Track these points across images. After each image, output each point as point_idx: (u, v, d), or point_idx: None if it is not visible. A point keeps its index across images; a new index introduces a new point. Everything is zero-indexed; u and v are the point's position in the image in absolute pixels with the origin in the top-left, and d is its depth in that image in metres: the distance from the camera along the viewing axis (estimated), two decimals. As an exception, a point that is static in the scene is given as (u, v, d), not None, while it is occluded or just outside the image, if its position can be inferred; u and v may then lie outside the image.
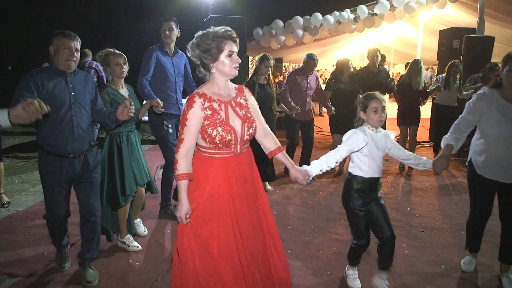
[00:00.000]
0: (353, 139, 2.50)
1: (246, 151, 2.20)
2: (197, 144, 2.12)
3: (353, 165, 2.59)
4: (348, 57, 5.60)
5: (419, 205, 4.35)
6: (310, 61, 5.13)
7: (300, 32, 9.68)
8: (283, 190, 4.85)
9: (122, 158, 3.10)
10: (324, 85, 6.45)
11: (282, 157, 2.32)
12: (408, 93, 5.45)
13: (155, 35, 3.99)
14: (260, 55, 4.81)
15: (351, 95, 5.29)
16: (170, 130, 3.80)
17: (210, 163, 2.09)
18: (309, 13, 9.72)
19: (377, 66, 5.54)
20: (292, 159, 5.42)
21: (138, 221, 3.53)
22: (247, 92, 2.24)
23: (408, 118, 5.62)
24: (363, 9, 9.22)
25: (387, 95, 5.81)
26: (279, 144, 2.33)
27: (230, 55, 2.03)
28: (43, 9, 14.28)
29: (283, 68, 14.80)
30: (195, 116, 2.01)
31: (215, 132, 2.01)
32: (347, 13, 9.44)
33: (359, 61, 15.77)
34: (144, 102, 3.41)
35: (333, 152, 2.52)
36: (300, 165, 5.93)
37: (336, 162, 2.51)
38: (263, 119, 2.29)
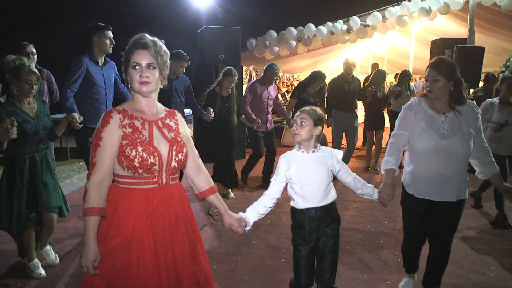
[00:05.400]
0: (278, 166, 2.12)
1: (174, 184, 1.79)
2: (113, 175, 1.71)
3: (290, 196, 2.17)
4: (326, 71, 5.90)
5: (412, 213, 4.37)
6: (273, 71, 5.17)
7: (294, 42, 9.77)
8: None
9: (23, 183, 2.79)
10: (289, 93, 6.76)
11: (215, 199, 1.97)
12: (374, 100, 6.08)
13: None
14: (225, 69, 4.62)
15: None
16: None
17: (127, 196, 1.67)
18: (303, 24, 9.82)
19: (351, 76, 5.75)
20: (251, 169, 5.51)
21: (47, 248, 3.13)
22: (179, 118, 1.88)
23: (374, 123, 6.33)
24: (355, 20, 9.34)
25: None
26: (213, 184, 2.00)
27: (134, 67, 1.67)
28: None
29: (277, 78, 14.92)
30: (111, 134, 1.63)
31: (134, 153, 1.62)
32: (340, 24, 9.55)
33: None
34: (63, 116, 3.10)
35: (266, 191, 2.15)
36: (264, 172, 5.35)
37: (273, 199, 2.12)
38: (196, 152, 1.96)
